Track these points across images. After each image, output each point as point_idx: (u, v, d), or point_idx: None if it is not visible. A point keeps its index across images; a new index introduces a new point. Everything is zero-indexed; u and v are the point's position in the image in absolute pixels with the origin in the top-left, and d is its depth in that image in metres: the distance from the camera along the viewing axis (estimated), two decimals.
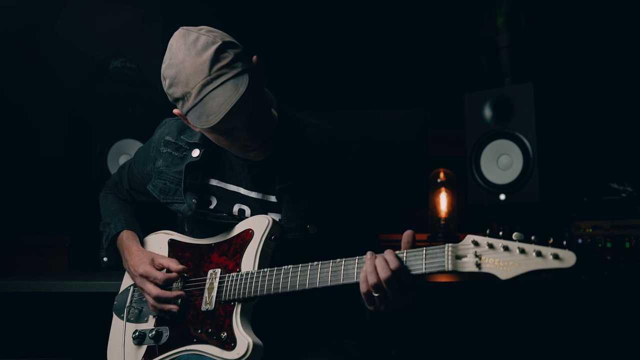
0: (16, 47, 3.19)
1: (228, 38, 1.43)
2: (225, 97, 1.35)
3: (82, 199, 2.67)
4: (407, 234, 1.30)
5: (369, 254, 1.30)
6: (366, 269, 1.27)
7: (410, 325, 1.49)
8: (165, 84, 1.44)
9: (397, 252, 1.28)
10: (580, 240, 2.54)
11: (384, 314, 1.32)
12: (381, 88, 3.46)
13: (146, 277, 1.58)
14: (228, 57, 1.38)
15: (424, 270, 1.23)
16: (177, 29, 1.46)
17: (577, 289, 2.36)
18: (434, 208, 3.08)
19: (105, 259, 1.82)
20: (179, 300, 1.56)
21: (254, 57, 1.47)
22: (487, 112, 2.76)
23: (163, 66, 1.44)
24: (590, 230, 2.52)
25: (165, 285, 1.58)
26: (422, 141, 2.84)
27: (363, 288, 1.29)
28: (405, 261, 1.26)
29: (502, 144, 2.72)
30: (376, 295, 1.27)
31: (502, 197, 2.66)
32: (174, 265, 1.58)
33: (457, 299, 2.47)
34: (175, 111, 1.50)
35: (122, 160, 2.70)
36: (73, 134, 2.84)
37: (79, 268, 2.68)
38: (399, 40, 3.52)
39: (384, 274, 1.24)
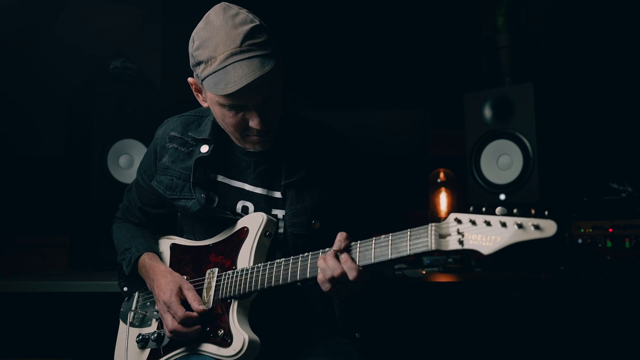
0: (17, 47, 3.19)
1: (265, 25, 1.47)
2: (249, 70, 1.37)
3: (82, 199, 2.67)
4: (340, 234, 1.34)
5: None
6: (325, 262, 1.33)
7: (373, 311, 1.54)
8: (193, 45, 1.46)
9: (352, 243, 1.33)
10: (580, 240, 2.54)
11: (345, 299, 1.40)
12: (381, 88, 3.46)
13: (168, 307, 1.53)
14: (262, 37, 1.42)
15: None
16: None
17: (577, 289, 2.36)
18: (434, 208, 3.08)
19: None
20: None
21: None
22: (487, 112, 2.76)
23: (195, 30, 1.48)
24: (590, 230, 2.52)
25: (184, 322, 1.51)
26: (422, 141, 2.83)
27: (319, 278, 1.35)
28: (358, 255, 1.31)
29: (502, 144, 2.72)
30: (330, 282, 1.33)
31: (502, 197, 2.67)
32: (196, 304, 1.51)
33: (457, 299, 2.47)
34: (190, 80, 1.54)
35: (122, 160, 2.70)
36: (73, 133, 2.84)
37: (79, 268, 2.69)
38: (399, 40, 3.52)
39: (337, 271, 1.31)
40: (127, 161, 2.71)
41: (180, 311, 1.50)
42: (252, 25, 1.42)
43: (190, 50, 1.48)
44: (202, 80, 1.45)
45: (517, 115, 2.67)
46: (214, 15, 1.45)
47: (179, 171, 1.66)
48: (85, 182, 2.63)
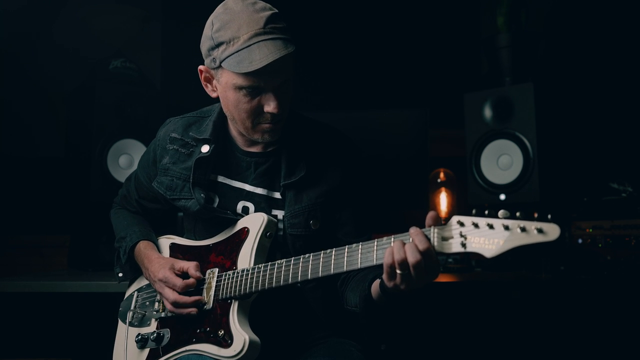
0: (17, 48, 3.19)
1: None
2: (274, 48, 1.40)
3: (82, 199, 2.67)
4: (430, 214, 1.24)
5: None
6: (392, 249, 1.22)
7: (400, 317, 1.49)
8: (213, 27, 1.47)
9: (424, 229, 1.23)
10: (580, 240, 2.54)
11: (389, 297, 1.33)
12: (381, 88, 3.45)
13: (165, 282, 1.57)
14: (282, 24, 1.47)
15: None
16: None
17: (577, 289, 2.36)
18: (434, 208, 3.08)
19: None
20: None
21: None
22: (487, 112, 2.76)
23: (214, 14, 1.50)
24: (590, 230, 2.52)
25: (184, 291, 1.55)
26: (422, 141, 2.83)
27: (387, 267, 1.23)
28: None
29: (502, 144, 2.72)
30: (399, 272, 1.22)
31: (502, 197, 2.66)
32: (192, 270, 1.56)
33: (457, 299, 2.47)
34: (201, 67, 1.55)
35: (122, 160, 2.70)
36: (73, 134, 2.85)
37: (79, 268, 2.69)
38: (399, 40, 3.51)
39: (413, 258, 1.19)
40: (127, 161, 2.71)
41: (179, 281, 1.54)
42: (272, 11, 1.46)
43: (208, 33, 1.48)
44: (221, 62, 1.46)
45: (517, 115, 2.67)
46: (233, 3, 1.47)
47: (179, 172, 1.66)
48: (85, 182, 2.63)
